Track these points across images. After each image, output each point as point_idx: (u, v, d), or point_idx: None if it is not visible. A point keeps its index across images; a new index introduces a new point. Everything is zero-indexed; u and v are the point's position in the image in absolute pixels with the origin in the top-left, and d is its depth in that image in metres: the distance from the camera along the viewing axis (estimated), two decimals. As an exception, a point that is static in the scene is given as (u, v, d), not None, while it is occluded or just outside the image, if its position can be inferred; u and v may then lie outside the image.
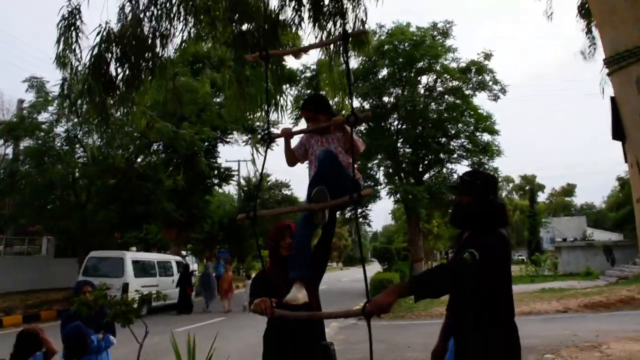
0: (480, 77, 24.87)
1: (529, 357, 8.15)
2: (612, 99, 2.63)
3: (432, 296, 2.49)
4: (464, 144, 25.19)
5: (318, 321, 3.06)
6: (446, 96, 25.12)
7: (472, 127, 24.61)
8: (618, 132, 2.69)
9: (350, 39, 6.04)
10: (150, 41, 5.82)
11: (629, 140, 2.57)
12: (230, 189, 42.17)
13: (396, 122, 25.85)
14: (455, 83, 24.91)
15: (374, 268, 40.12)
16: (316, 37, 6.34)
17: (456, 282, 2.50)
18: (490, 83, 24.81)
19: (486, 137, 24.74)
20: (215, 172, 26.37)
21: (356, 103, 25.11)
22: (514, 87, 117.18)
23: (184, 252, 31.42)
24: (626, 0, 2.30)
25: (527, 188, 69.37)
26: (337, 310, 2.81)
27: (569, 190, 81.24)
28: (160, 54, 5.96)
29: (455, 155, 25.53)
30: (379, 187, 24.55)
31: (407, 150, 25.47)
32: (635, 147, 2.45)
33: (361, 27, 6.33)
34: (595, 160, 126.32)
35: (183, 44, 6.57)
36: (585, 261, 33.25)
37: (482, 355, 2.55)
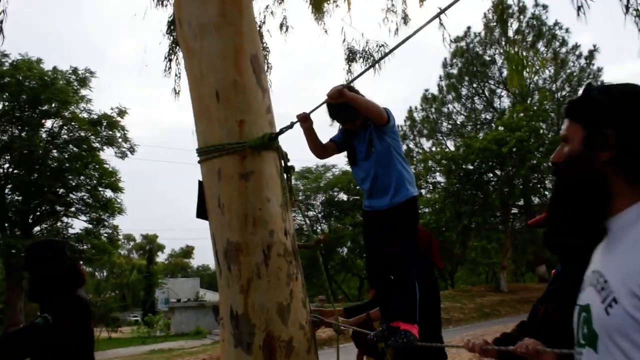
0: (111, 132, 24.40)
1: None
2: (200, 183, 2.90)
3: None
4: (85, 197, 23.98)
5: None
6: (71, 145, 23.63)
7: (95, 182, 23.71)
8: (202, 212, 2.97)
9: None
10: None
11: (210, 220, 2.89)
12: None
13: (7, 165, 22.81)
14: (83, 134, 23.76)
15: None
16: None
17: (28, 348, 2.44)
18: (120, 140, 24.59)
19: (109, 193, 24.18)
20: None
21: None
22: (150, 142, 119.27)
23: None
24: (218, 103, 2.61)
25: (147, 247, 70.06)
26: None
27: (188, 251, 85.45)
28: None
29: (73, 209, 23.99)
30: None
31: (17, 197, 22.64)
32: (214, 227, 2.72)
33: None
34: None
35: None
36: (196, 321, 34.95)
37: None
